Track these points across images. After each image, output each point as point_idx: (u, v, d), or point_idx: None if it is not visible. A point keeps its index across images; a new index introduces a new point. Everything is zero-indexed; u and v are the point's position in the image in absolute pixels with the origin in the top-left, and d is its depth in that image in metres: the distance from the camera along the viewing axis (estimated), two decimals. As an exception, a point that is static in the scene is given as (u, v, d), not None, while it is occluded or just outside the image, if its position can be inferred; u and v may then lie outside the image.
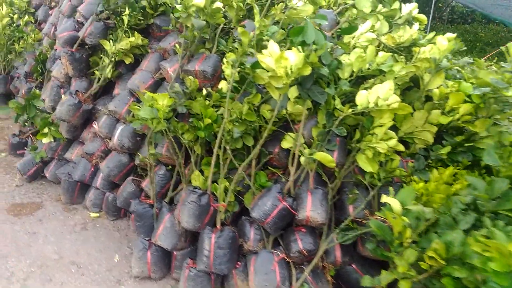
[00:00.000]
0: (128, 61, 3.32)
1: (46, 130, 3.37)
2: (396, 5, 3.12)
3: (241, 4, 3.30)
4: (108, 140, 3.19)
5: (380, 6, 3.11)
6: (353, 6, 3.24)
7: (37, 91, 3.48)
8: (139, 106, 2.63)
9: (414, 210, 1.84)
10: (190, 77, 2.59)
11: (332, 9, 3.39)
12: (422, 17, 3.18)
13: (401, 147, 2.29)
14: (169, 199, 2.80)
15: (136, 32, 3.26)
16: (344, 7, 3.35)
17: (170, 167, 2.91)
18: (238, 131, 2.42)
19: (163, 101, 2.45)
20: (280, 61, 2.18)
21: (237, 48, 2.47)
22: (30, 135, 3.95)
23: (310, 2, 3.07)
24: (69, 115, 3.22)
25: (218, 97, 2.52)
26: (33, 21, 5.62)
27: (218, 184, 2.54)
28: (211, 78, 2.79)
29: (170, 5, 3.33)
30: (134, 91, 3.11)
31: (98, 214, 3.21)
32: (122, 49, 3.22)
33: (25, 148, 3.96)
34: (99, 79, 3.41)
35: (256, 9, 2.53)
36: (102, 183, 3.19)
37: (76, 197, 3.29)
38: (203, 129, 2.55)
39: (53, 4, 5.45)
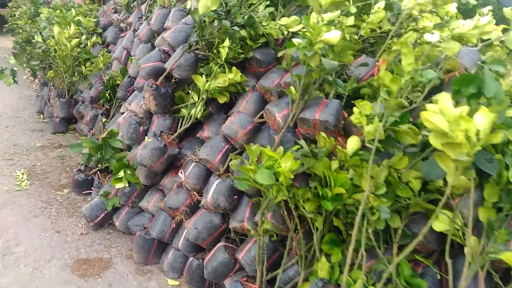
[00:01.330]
0: (222, 100, 2.82)
1: (121, 173, 2.91)
2: (558, 46, 2.50)
3: (355, 37, 2.78)
4: (195, 193, 2.68)
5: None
6: (499, 42, 2.65)
7: (115, 130, 3.03)
8: (249, 164, 2.10)
9: None
10: (323, 134, 2.03)
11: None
12: None
13: None
14: (278, 282, 2.23)
15: (234, 67, 2.77)
16: (486, 44, 2.73)
17: (275, 237, 2.35)
18: (387, 211, 1.83)
19: (286, 163, 1.90)
20: (459, 122, 1.60)
21: (385, 98, 1.91)
22: (98, 173, 3.51)
23: (455, 38, 2.49)
24: (152, 160, 2.75)
25: (357, 161, 1.95)
26: (100, 42, 5.33)
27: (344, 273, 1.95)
28: (333, 130, 2.24)
29: (274, 37, 2.84)
30: (231, 137, 2.60)
31: (177, 282, 2.68)
32: (218, 86, 2.73)
33: (92, 188, 3.53)
34: (185, 118, 2.93)
35: (408, 47, 1.96)
36: (185, 245, 2.66)
37: (151, 256, 2.78)
38: (329, 200, 1.98)
39: (122, 25, 5.14)
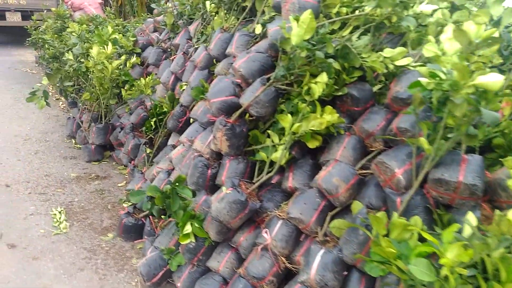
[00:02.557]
0: (314, 145, 2.37)
1: (188, 228, 2.46)
2: None
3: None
4: (283, 259, 2.22)
5: None
6: None
7: (183, 175, 2.58)
8: (374, 237, 1.64)
9: None
10: (509, 217, 1.54)
11: None
12: None
13: None
14: None
15: (329, 107, 2.33)
16: None
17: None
18: None
19: (452, 252, 1.44)
20: None
21: None
22: (150, 218, 3.07)
23: None
24: (230, 216, 2.29)
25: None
26: (139, 63, 4.93)
27: None
28: (480, 196, 1.78)
29: (377, 72, 2.40)
30: (331, 193, 2.14)
31: None
32: (312, 130, 2.28)
33: (143, 235, 3.08)
34: (265, 164, 2.48)
35: None
36: (272, 322, 2.19)
37: (226, 332, 2.31)
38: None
39: (163, 45, 4.74)
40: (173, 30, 4.54)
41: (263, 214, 2.41)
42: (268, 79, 2.65)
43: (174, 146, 3.61)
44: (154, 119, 4.00)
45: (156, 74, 4.60)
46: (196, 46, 3.92)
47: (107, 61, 4.35)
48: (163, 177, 3.17)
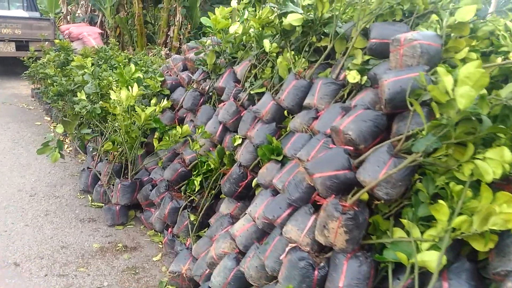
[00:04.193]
0: (486, 248, 1.67)
1: None
2: None
3: None
4: None
5: None
6: None
7: (290, 286, 1.87)
8: None
9: None
10: None
11: None
12: None
13: None
14: None
15: (507, 193, 1.66)
16: None
17: None
18: None
19: None
20: None
21: None
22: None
23: None
24: None
25: None
26: (169, 106, 4.24)
27: None
28: None
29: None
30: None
31: None
32: (492, 229, 1.61)
33: None
34: (406, 269, 1.78)
35: None
36: None
37: None
38: None
39: (196, 86, 4.08)
40: (215, 72, 3.88)
41: None
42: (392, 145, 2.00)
43: (232, 217, 2.90)
44: (199, 178, 3.29)
45: (191, 120, 3.93)
46: (251, 92, 3.26)
47: (138, 106, 3.66)
48: (230, 266, 2.44)
